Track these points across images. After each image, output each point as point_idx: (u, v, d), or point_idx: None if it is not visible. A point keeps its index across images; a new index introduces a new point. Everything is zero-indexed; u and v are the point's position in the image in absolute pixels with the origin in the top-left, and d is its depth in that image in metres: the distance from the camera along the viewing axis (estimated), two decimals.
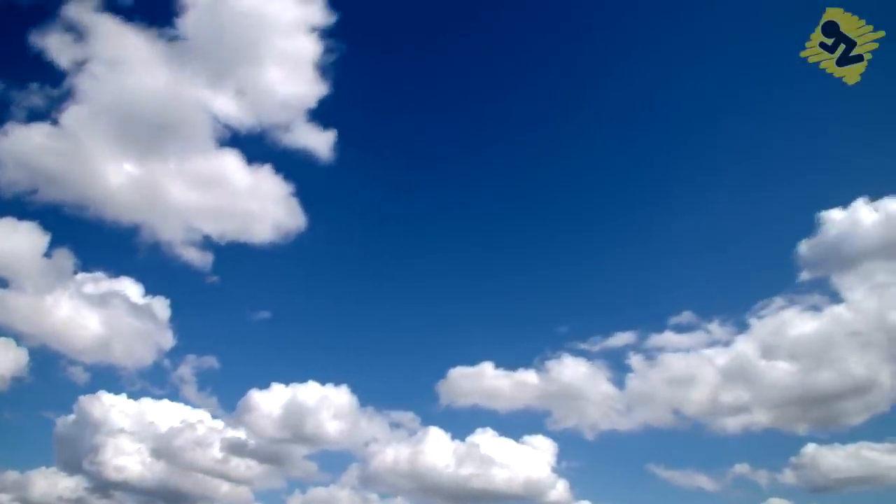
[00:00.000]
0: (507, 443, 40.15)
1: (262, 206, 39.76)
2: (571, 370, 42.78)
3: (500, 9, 49.71)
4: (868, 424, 39.23)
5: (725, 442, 42.13)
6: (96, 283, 41.59)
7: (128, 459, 38.52)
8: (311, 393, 40.79)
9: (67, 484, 37.90)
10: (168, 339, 41.08)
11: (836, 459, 38.89)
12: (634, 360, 42.93)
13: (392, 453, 40.88)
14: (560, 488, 39.65)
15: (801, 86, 42.70)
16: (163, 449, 39.54)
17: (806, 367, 39.93)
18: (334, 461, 43.25)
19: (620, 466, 44.87)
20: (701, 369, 41.22)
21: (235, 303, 44.60)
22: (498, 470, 38.48)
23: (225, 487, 40.27)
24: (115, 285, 41.28)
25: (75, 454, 39.10)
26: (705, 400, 41.44)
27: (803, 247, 42.47)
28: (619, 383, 42.75)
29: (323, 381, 41.61)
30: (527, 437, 40.76)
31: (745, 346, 41.54)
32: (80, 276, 40.97)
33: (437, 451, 39.44)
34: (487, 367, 42.61)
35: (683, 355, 42.04)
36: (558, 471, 40.73)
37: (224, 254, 41.01)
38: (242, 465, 39.63)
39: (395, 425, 42.71)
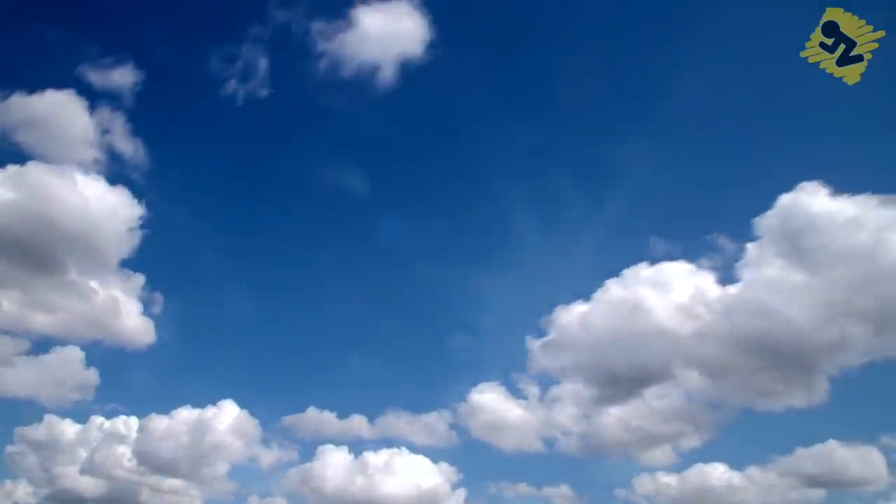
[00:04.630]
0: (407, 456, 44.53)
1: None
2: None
3: None
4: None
5: (565, 466, 45.15)
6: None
7: (67, 470, 44.79)
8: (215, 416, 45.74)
9: (21, 493, 44.87)
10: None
11: (669, 482, 42.21)
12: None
13: (300, 470, 45.61)
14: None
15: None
16: (97, 463, 44.70)
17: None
18: (250, 477, 48.22)
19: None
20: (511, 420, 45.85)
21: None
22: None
23: (173, 498, 44.65)
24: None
25: (24, 469, 46.35)
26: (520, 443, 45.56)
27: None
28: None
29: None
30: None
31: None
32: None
33: (334, 466, 44.19)
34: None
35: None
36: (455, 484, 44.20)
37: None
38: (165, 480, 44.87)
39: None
